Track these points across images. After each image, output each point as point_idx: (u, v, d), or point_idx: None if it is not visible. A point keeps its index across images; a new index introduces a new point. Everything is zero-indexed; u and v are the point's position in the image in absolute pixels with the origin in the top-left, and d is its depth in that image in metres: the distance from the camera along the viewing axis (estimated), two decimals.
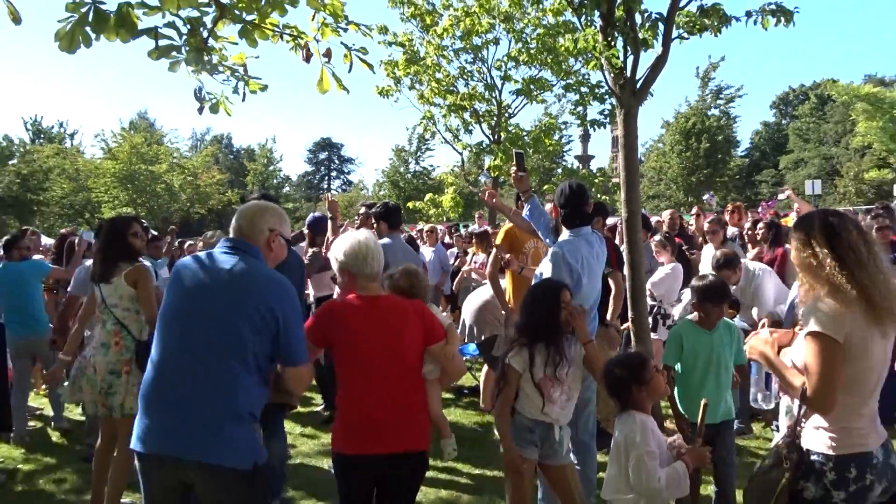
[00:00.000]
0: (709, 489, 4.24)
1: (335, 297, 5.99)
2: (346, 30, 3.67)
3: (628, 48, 5.74)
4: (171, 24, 3.11)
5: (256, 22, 3.43)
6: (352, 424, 3.09)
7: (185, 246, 10.81)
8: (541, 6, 14.57)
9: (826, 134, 51.33)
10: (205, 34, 3.28)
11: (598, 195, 18.66)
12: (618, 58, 5.71)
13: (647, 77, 5.74)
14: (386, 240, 5.58)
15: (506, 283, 5.88)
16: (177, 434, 2.58)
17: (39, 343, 6.37)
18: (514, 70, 16.46)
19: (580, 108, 16.38)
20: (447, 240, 12.58)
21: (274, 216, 2.94)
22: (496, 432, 4.43)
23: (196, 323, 2.66)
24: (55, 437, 6.60)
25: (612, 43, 5.72)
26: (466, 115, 16.31)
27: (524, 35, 15.70)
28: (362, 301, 3.12)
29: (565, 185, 4.34)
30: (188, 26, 3.18)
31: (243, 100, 3.77)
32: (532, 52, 15.58)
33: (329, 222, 6.35)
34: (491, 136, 16.84)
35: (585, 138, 44.83)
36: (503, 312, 5.85)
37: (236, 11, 3.33)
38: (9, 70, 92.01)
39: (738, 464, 4.34)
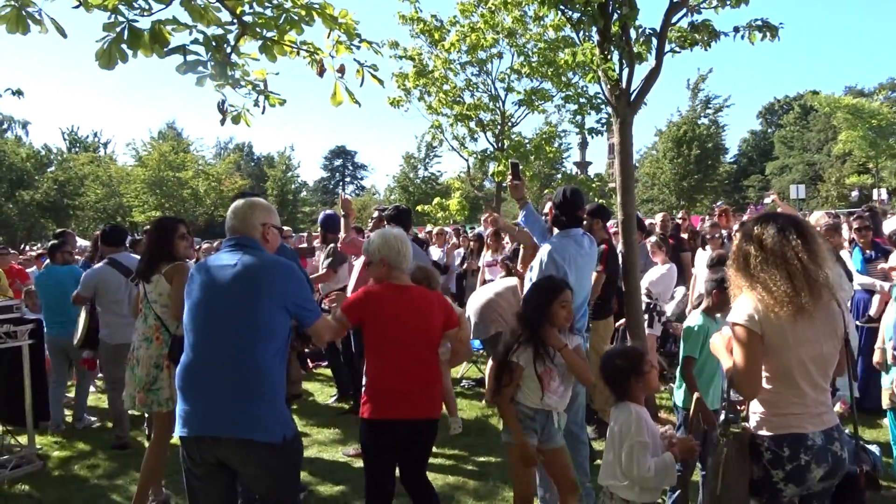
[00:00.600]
0: (698, 474, 4.22)
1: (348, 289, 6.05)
2: (358, 47, 3.68)
3: (624, 61, 5.74)
4: (198, 41, 3.13)
5: (276, 39, 3.44)
6: (382, 393, 3.31)
7: (203, 248, 10.82)
8: (542, 22, 14.57)
9: (809, 142, 51.12)
10: (228, 50, 3.29)
11: (596, 199, 18.62)
12: (614, 70, 5.71)
13: (641, 88, 5.74)
14: None
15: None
16: (209, 415, 2.64)
17: (72, 343, 6.37)
18: (516, 82, 16.43)
19: (579, 118, 16.33)
20: (454, 240, 12.56)
21: (262, 211, 3.04)
22: (498, 422, 4.43)
23: (216, 312, 2.74)
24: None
25: (609, 56, 5.72)
26: (472, 124, 16.27)
27: (526, 49, 15.65)
28: (396, 289, 3.39)
29: (561, 191, 4.42)
30: (213, 43, 3.20)
31: (263, 112, 3.79)
32: (534, 65, 15.54)
33: (342, 220, 6.24)
34: (495, 144, 16.82)
35: (584, 146, 44.76)
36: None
37: (257, 29, 3.35)
38: (49, 84, 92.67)
39: None
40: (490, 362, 6.69)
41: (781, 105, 59.69)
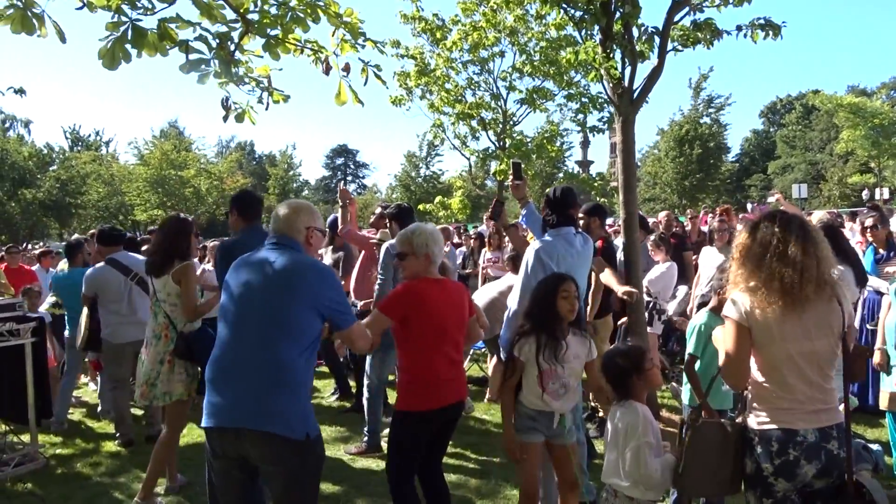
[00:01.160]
0: None
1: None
2: (363, 46, 3.68)
3: (626, 60, 5.74)
4: (201, 38, 3.13)
5: (280, 37, 3.44)
6: (433, 384, 3.40)
7: (210, 246, 10.78)
8: (544, 21, 14.55)
9: (811, 141, 51.05)
10: (232, 48, 3.29)
11: (598, 198, 18.60)
12: (616, 69, 5.70)
13: (643, 87, 5.74)
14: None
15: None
16: (234, 407, 2.65)
17: None
18: (518, 81, 16.43)
19: (580, 116, 16.34)
20: (455, 239, 12.56)
21: (307, 214, 3.05)
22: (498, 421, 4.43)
23: (250, 309, 2.77)
24: (91, 423, 6.66)
25: (611, 55, 5.72)
26: (474, 123, 16.27)
27: (528, 48, 15.65)
28: (434, 282, 3.48)
29: (552, 191, 4.43)
30: (217, 40, 3.20)
31: (266, 109, 3.78)
32: (535, 63, 15.54)
33: (340, 210, 6.14)
34: (497, 143, 16.82)
35: (585, 144, 44.47)
36: None
37: (262, 27, 3.35)
38: (51, 83, 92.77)
39: None
40: (492, 361, 6.74)
41: (783, 104, 59.60)
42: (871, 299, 5.95)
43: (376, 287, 5.26)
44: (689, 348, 3.95)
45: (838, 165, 42.52)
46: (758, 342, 2.54)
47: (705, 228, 9.65)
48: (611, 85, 5.84)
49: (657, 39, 5.74)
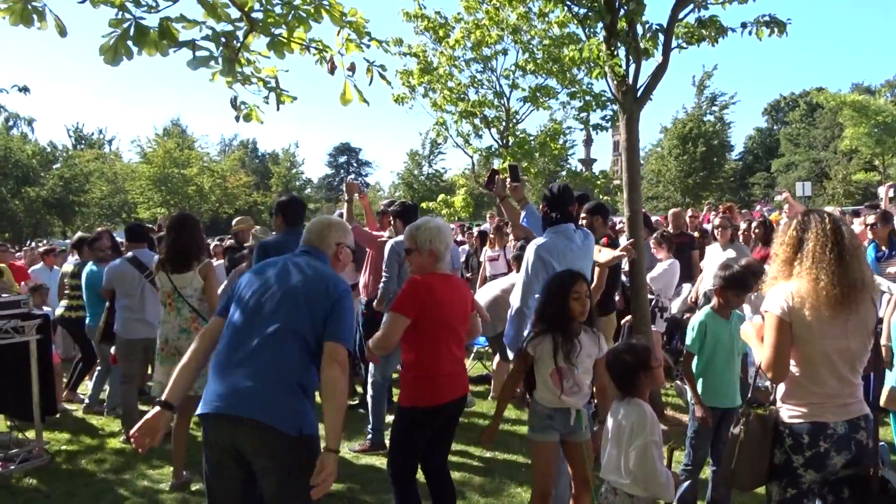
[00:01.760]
0: (706, 472, 4.23)
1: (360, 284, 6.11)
2: (368, 46, 3.69)
3: (630, 57, 5.73)
4: (208, 37, 3.14)
5: (285, 36, 3.44)
6: (440, 379, 3.44)
7: (223, 245, 10.79)
8: (547, 19, 14.54)
9: (815, 139, 50.94)
10: (237, 46, 3.30)
11: (601, 196, 18.59)
12: (620, 66, 5.70)
13: (647, 84, 5.73)
14: (402, 237, 5.56)
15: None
16: (233, 396, 2.66)
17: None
18: (521, 79, 16.44)
19: (583, 114, 16.32)
20: (458, 237, 12.54)
21: (339, 230, 3.11)
22: (504, 417, 4.44)
23: (266, 306, 2.80)
24: (95, 421, 6.68)
25: (616, 52, 5.70)
26: (477, 121, 16.29)
27: (531, 46, 15.65)
28: (441, 278, 3.51)
29: (550, 188, 4.43)
30: (223, 39, 3.20)
31: (278, 109, 3.81)
32: (538, 61, 15.54)
33: (345, 205, 6.06)
34: (499, 141, 16.83)
35: (588, 142, 44.45)
36: None
37: (267, 26, 3.35)
38: (54, 80, 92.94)
39: None
40: (496, 359, 6.75)
41: (787, 102, 59.49)
42: None
43: (381, 285, 5.27)
44: (687, 344, 3.97)
45: (842, 163, 42.38)
46: (797, 338, 2.59)
47: (708, 226, 9.63)
48: (615, 82, 5.83)
49: (661, 37, 5.72)
